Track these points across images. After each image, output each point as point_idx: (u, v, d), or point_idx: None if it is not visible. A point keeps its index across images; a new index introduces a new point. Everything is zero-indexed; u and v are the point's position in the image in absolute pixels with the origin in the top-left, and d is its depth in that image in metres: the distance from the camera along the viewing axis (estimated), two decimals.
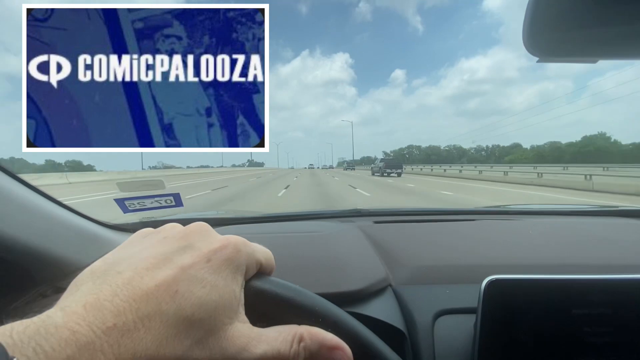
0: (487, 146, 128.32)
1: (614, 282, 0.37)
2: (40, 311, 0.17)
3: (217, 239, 0.23)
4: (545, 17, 0.27)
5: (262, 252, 0.25)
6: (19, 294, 0.46)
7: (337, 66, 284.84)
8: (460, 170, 21.92)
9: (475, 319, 0.37)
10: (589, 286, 0.37)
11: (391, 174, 22.23)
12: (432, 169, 29.00)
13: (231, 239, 0.24)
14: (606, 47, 0.28)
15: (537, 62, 0.31)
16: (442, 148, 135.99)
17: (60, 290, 0.51)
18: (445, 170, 25.04)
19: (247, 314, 0.22)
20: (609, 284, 0.37)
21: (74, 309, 0.17)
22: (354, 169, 48.34)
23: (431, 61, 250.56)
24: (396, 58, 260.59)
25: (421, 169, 31.40)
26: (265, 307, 0.24)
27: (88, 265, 0.22)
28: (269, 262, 0.26)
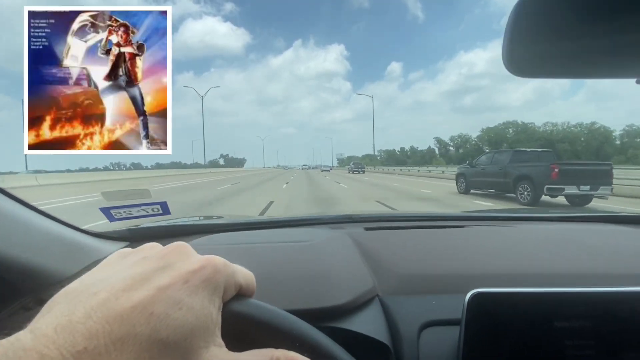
0: None
1: (593, 295, 0.37)
2: (20, 327, 0.17)
3: (196, 259, 0.23)
4: (522, 39, 0.29)
5: (242, 274, 0.25)
6: (0, 305, 0.45)
7: (331, 57, 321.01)
8: None
9: (459, 331, 0.37)
10: (570, 299, 0.37)
11: (555, 196, 7.42)
12: None
13: (211, 259, 0.23)
14: (581, 67, 0.30)
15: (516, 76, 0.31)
16: (569, 129, 61.69)
17: (43, 302, 0.48)
18: None
19: (224, 337, 0.22)
20: (589, 297, 0.37)
21: (44, 331, 0.17)
22: (363, 171, 36.48)
23: (429, 53, 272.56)
24: (393, 49, 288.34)
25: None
26: (243, 330, 0.23)
27: (72, 275, 0.17)
28: (250, 285, 0.25)
